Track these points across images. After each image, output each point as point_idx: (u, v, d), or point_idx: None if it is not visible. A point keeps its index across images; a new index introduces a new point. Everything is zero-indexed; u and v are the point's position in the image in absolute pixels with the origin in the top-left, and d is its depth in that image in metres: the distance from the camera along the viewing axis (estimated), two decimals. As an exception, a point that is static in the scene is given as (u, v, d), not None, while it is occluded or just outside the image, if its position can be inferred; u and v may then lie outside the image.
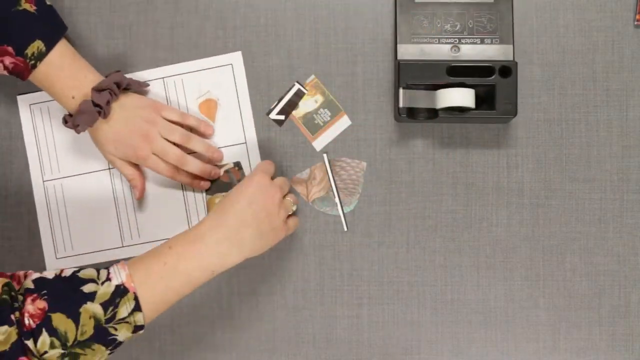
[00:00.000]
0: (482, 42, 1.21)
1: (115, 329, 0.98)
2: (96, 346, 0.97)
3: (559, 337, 1.23)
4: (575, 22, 1.25)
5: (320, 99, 1.25)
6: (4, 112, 1.27)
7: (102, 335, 0.97)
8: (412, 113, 1.20)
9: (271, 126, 1.25)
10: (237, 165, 1.25)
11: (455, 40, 1.21)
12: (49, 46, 1.12)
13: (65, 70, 1.14)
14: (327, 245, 1.25)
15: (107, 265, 1.02)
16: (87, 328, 0.96)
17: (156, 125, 1.18)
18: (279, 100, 1.25)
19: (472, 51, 1.21)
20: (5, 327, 0.92)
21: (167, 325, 1.25)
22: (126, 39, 1.25)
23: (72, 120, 1.16)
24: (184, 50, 1.25)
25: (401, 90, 1.18)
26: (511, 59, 1.20)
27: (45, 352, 0.94)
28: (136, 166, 1.22)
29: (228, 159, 1.25)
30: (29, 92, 1.26)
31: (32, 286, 0.96)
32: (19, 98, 1.26)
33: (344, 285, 1.24)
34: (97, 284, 0.98)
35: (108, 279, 0.99)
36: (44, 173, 1.26)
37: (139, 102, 1.19)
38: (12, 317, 0.93)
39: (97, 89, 1.14)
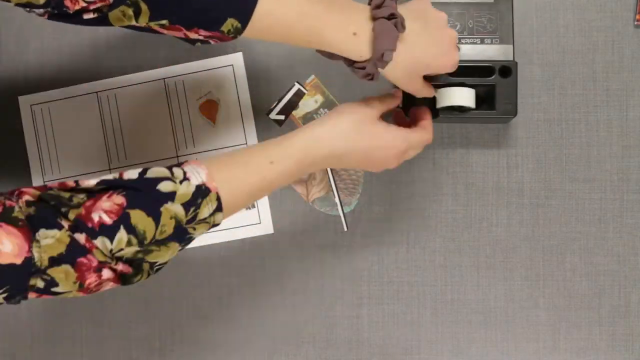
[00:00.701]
0: (482, 42, 1.21)
1: (194, 229, 0.92)
2: (171, 244, 0.91)
3: (559, 337, 1.23)
4: (575, 22, 1.25)
5: (320, 99, 1.25)
6: (5, 113, 1.27)
7: (180, 235, 0.91)
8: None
9: (271, 126, 1.25)
10: (238, 165, 1.25)
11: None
12: (244, 21, 0.93)
13: (312, 18, 0.95)
14: (327, 245, 1.25)
15: (174, 164, 0.93)
16: (167, 228, 0.90)
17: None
18: (279, 100, 1.25)
19: (472, 51, 1.21)
20: (55, 231, 0.85)
21: (167, 325, 1.25)
22: (126, 40, 1.26)
23: (375, 55, 0.97)
24: (184, 50, 1.25)
25: (401, 90, 1.18)
26: (511, 59, 1.20)
27: (121, 250, 0.88)
28: None
29: (228, 159, 1.25)
30: (30, 93, 1.26)
31: (102, 185, 0.89)
32: (20, 99, 1.26)
33: (344, 285, 1.24)
34: (175, 182, 0.90)
35: (186, 178, 0.91)
36: (45, 174, 1.26)
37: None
38: (61, 221, 0.86)
39: (377, 5, 0.97)
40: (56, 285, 0.86)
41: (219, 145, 1.25)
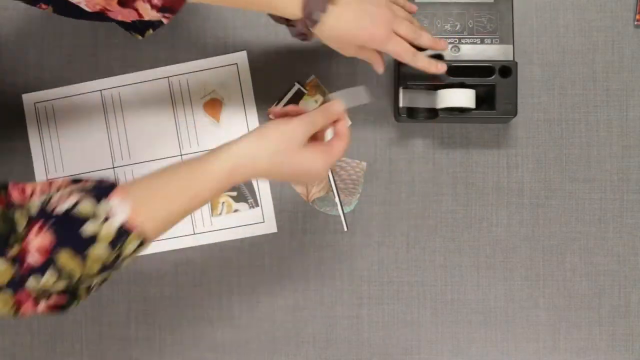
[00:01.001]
0: (482, 42, 1.21)
1: (120, 263, 0.93)
2: (99, 276, 0.93)
3: (559, 337, 1.23)
4: (575, 22, 1.25)
5: (320, 99, 1.25)
6: (9, 110, 1.27)
7: (107, 269, 0.92)
8: (412, 113, 1.21)
9: (271, 126, 1.25)
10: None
11: (455, 40, 1.21)
12: None
13: None
14: (327, 245, 1.25)
15: (103, 192, 0.92)
16: (94, 268, 0.91)
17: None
18: (279, 101, 1.25)
19: (472, 51, 1.21)
20: (2, 260, 0.87)
21: (167, 325, 1.25)
22: (127, 39, 1.26)
23: (304, 14, 1.02)
24: (184, 50, 1.25)
25: (401, 90, 1.18)
26: (511, 59, 1.20)
27: (51, 286, 0.90)
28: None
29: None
30: (34, 91, 1.26)
31: (34, 213, 0.90)
32: (24, 97, 1.27)
33: (344, 285, 1.24)
34: (98, 223, 0.90)
35: (110, 216, 0.90)
36: (48, 172, 1.26)
37: None
38: (7, 250, 0.88)
39: None
40: None
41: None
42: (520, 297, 1.23)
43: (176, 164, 0.96)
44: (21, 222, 0.89)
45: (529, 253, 1.24)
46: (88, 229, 0.90)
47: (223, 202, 1.25)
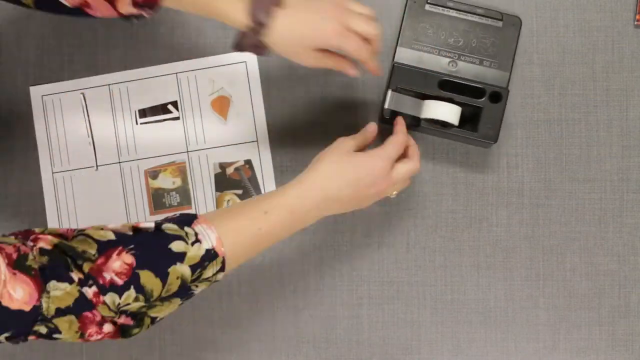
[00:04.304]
0: (481, 63, 1.21)
1: (197, 286, 0.97)
2: (174, 299, 0.96)
3: (559, 337, 1.23)
4: (575, 22, 1.25)
5: (178, 182, 1.25)
6: (16, 102, 1.27)
7: (184, 292, 0.96)
8: (394, 118, 1.19)
9: (272, 126, 1.25)
10: (248, 163, 1.25)
11: (455, 56, 1.22)
12: None
13: None
14: (327, 245, 1.25)
15: (186, 221, 0.97)
16: (173, 287, 0.94)
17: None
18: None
19: (469, 70, 1.21)
20: (65, 284, 0.90)
21: (167, 325, 1.25)
22: (126, 39, 1.26)
23: (252, 18, 0.99)
24: (184, 49, 1.26)
25: (390, 92, 1.18)
26: (505, 86, 1.20)
27: (127, 305, 0.93)
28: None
29: (239, 157, 1.25)
30: (42, 84, 1.26)
31: (113, 237, 0.94)
32: (32, 89, 1.27)
33: (344, 285, 1.24)
34: (187, 243, 0.95)
35: (197, 240, 0.96)
36: (54, 165, 1.26)
37: None
38: (72, 275, 0.91)
39: None
40: (59, 332, 0.92)
41: (229, 142, 1.25)
42: (520, 297, 1.23)
43: (250, 200, 1.04)
44: (89, 249, 0.92)
45: (529, 253, 1.24)
46: (177, 246, 0.95)
47: (228, 200, 1.25)
